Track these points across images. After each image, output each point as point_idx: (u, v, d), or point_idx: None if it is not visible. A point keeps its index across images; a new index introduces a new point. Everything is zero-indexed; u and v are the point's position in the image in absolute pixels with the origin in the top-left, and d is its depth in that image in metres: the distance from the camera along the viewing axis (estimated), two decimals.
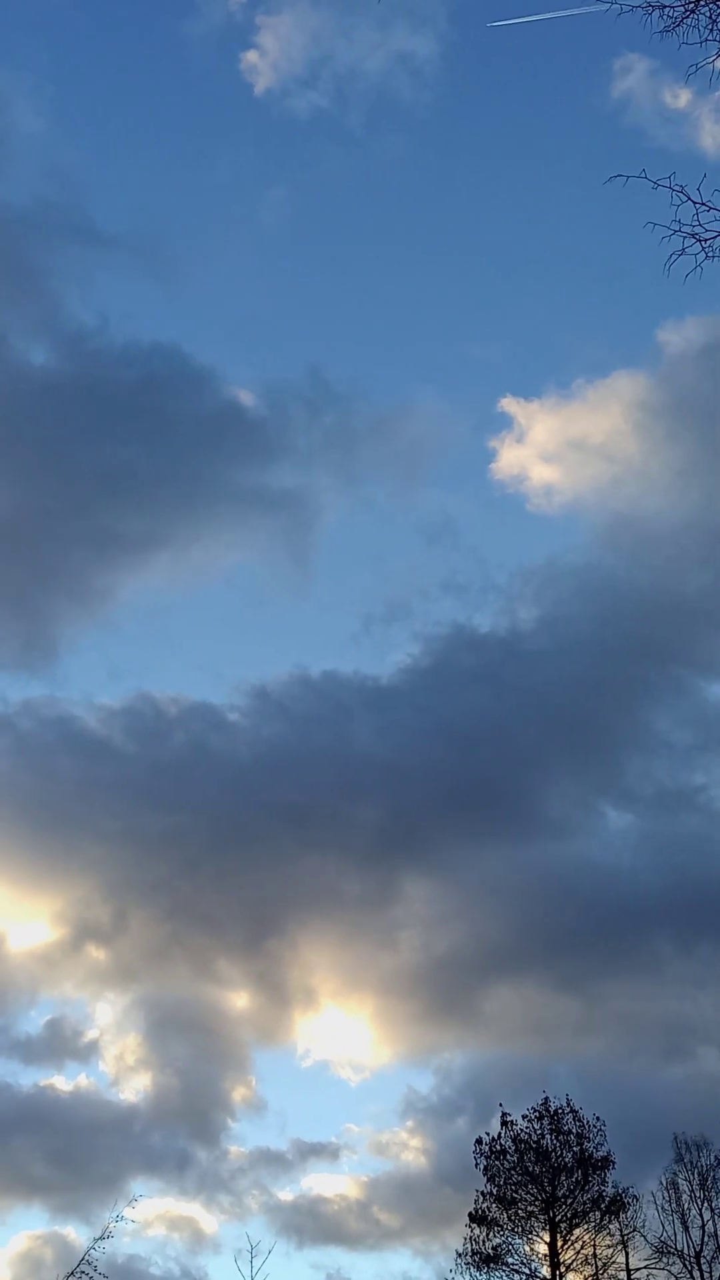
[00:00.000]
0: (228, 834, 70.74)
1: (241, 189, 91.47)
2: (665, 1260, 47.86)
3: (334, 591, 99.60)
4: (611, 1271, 47.56)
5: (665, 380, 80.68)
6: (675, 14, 9.60)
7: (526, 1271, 47.26)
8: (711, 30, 9.68)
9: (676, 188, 9.89)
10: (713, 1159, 49.83)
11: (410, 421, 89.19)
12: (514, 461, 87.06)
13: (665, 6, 9.64)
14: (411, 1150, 64.70)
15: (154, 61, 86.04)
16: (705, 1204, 48.82)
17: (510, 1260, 47.45)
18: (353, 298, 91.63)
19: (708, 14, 9.66)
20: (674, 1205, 48.84)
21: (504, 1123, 48.91)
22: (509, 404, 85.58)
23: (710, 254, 9.91)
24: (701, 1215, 48.54)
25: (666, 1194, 49.08)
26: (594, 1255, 47.55)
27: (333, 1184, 67.46)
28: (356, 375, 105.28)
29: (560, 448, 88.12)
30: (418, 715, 74.50)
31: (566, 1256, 47.17)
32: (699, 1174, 49.86)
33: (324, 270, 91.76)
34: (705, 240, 9.89)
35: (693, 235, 9.92)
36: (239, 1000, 70.80)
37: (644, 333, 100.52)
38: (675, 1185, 49.81)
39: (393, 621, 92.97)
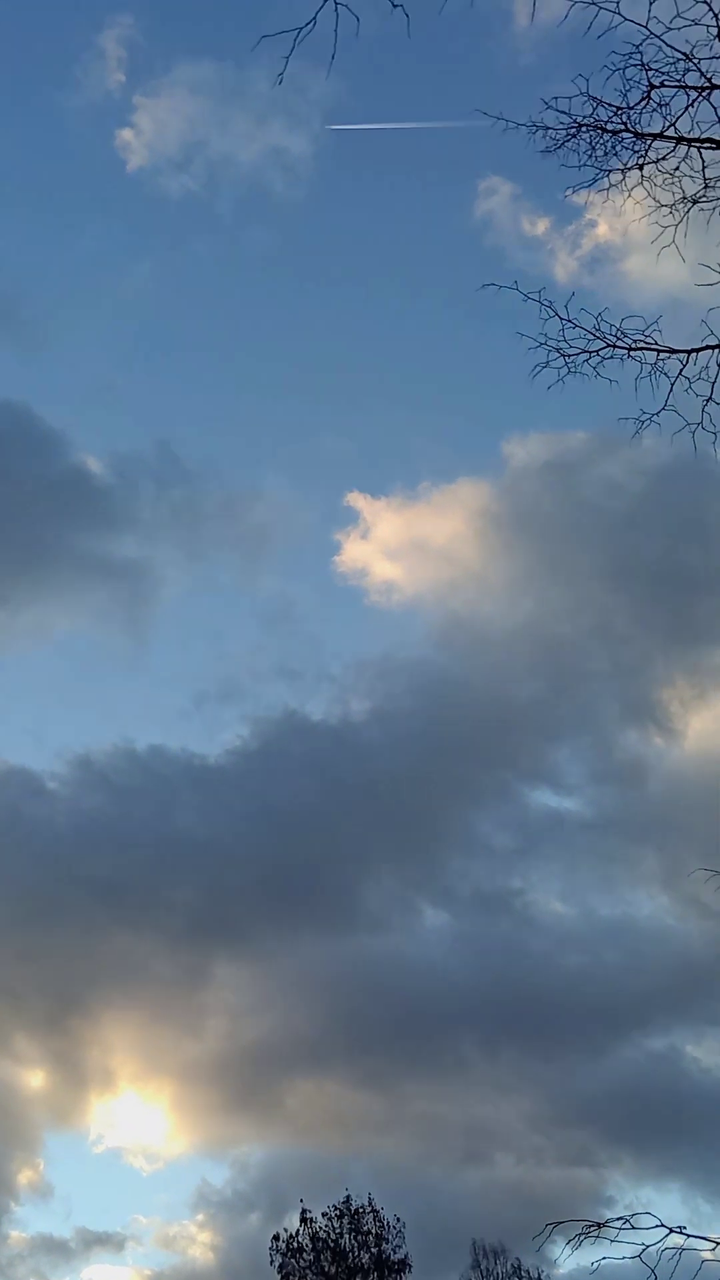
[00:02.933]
0: (37, 904, 68.92)
1: (107, 261, 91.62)
2: None
3: (167, 666, 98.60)
4: None
5: (507, 491, 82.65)
6: (559, 136, 9.93)
7: None
8: (590, 156, 10.02)
9: (546, 302, 10.19)
10: (509, 1267, 49.71)
11: (258, 506, 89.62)
12: (357, 555, 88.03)
13: (549, 128, 9.96)
14: (199, 1245, 63.07)
15: (28, 130, 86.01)
16: None
17: None
18: (210, 378, 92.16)
19: (588, 140, 10.00)
20: None
21: (303, 1219, 48.20)
22: (356, 499, 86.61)
23: (572, 368, 10.23)
24: None
25: None
26: None
27: (115, 1276, 65.35)
28: (208, 455, 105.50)
29: (403, 546, 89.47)
30: (242, 798, 74.06)
31: None
32: None
33: (183, 348, 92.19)
34: (569, 355, 10.19)
35: (557, 350, 10.20)
36: (34, 1079, 68.52)
37: (490, 443, 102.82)
38: None
39: (224, 701, 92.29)
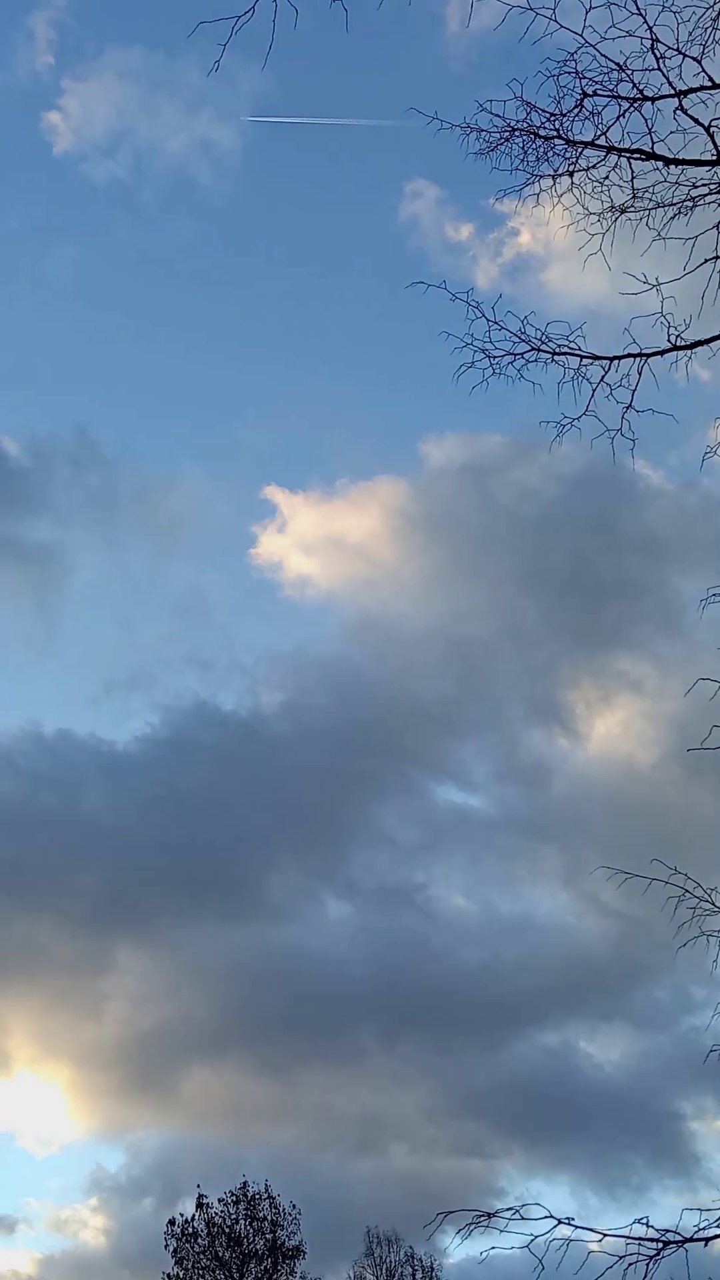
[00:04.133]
0: None
1: (30, 243, 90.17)
2: None
3: (77, 651, 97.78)
4: None
5: (425, 491, 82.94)
6: (492, 139, 10.01)
7: None
8: (523, 160, 10.12)
9: (474, 303, 10.27)
10: (402, 1255, 50.06)
11: (174, 495, 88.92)
12: (273, 549, 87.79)
13: (483, 131, 10.03)
14: (92, 1229, 62.82)
15: None
16: None
17: None
18: (130, 366, 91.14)
19: (521, 144, 10.09)
20: None
21: (199, 1205, 48.16)
22: (274, 492, 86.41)
23: (497, 370, 10.32)
24: None
25: None
26: None
27: (5, 1259, 64.95)
28: (125, 441, 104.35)
29: (319, 541, 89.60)
30: (150, 785, 73.65)
31: None
32: (386, 1270, 49.98)
33: (104, 334, 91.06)
34: (494, 357, 10.28)
35: (483, 351, 10.29)
36: None
37: (409, 443, 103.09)
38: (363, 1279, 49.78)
39: (134, 689, 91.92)
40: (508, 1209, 8.71)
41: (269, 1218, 47.91)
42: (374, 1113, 64.48)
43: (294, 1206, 48.34)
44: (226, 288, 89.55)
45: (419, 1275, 50.31)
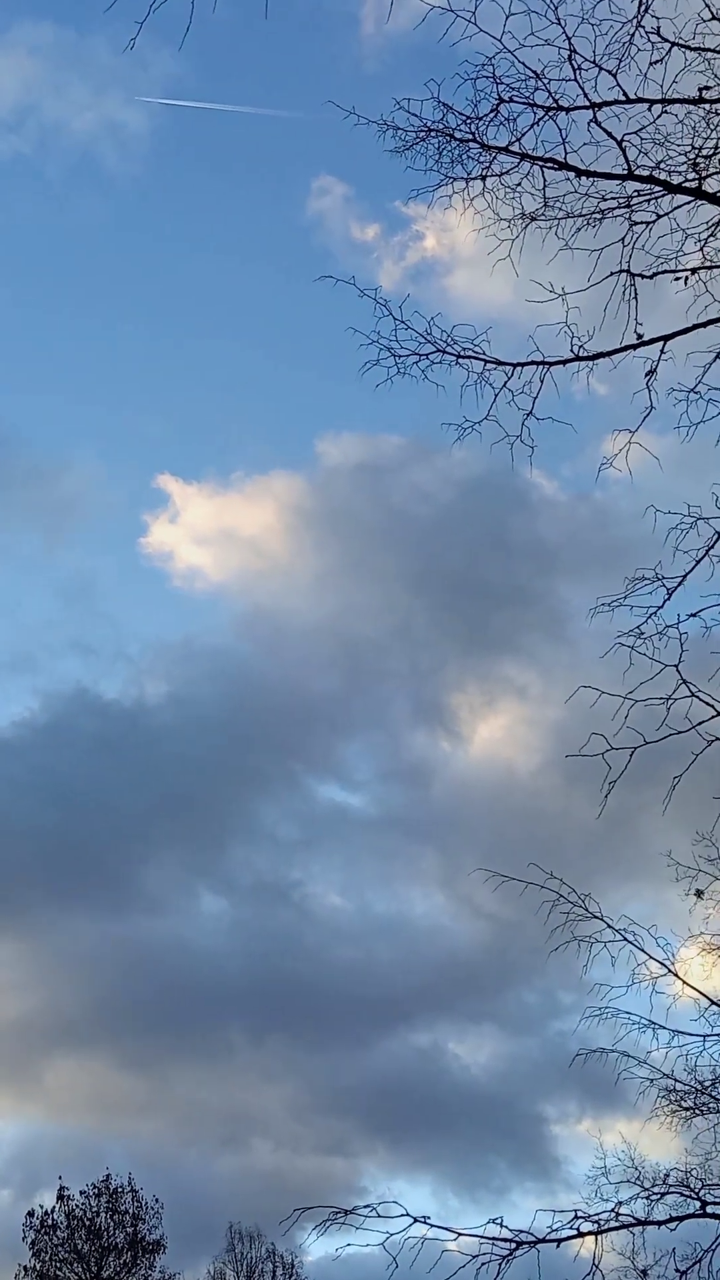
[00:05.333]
0: None
1: None
2: None
3: None
4: None
5: (320, 488, 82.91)
6: (408, 138, 10.02)
7: None
8: (437, 161, 10.14)
9: (381, 301, 10.27)
10: (263, 1252, 50.01)
11: (66, 478, 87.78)
12: (165, 538, 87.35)
13: (399, 129, 10.03)
14: None
15: None
16: None
17: None
18: (25, 345, 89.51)
19: (436, 145, 10.11)
20: None
21: (60, 1196, 47.66)
22: (167, 481, 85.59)
23: (402, 370, 10.33)
24: None
25: None
26: None
27: None
28: (16, 422, 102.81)
29: (212, 533, 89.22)
30: (26, 771, 72.63)
31: None
32: (247, 1266, 49.92)
33: (0, 311, 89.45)
34: (400, 356, 10.30)
35: (389, 349, 10.30)
36: None
37: (305, 439, 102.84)
38: (223, 1276, 49.67)
39: (15, 672, 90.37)
40: (364, 1206, 8.75)
41: (131, 1211, 47.60)
42: (240, 1109, 64.38)
43: (156, 1201, 48.14)
44: (129, 271, 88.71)
45: (279, 1272, 50.38)
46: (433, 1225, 8.80)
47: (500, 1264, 8.61)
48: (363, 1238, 8.85)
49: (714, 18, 9.59)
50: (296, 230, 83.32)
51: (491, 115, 9.83)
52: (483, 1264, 8.62)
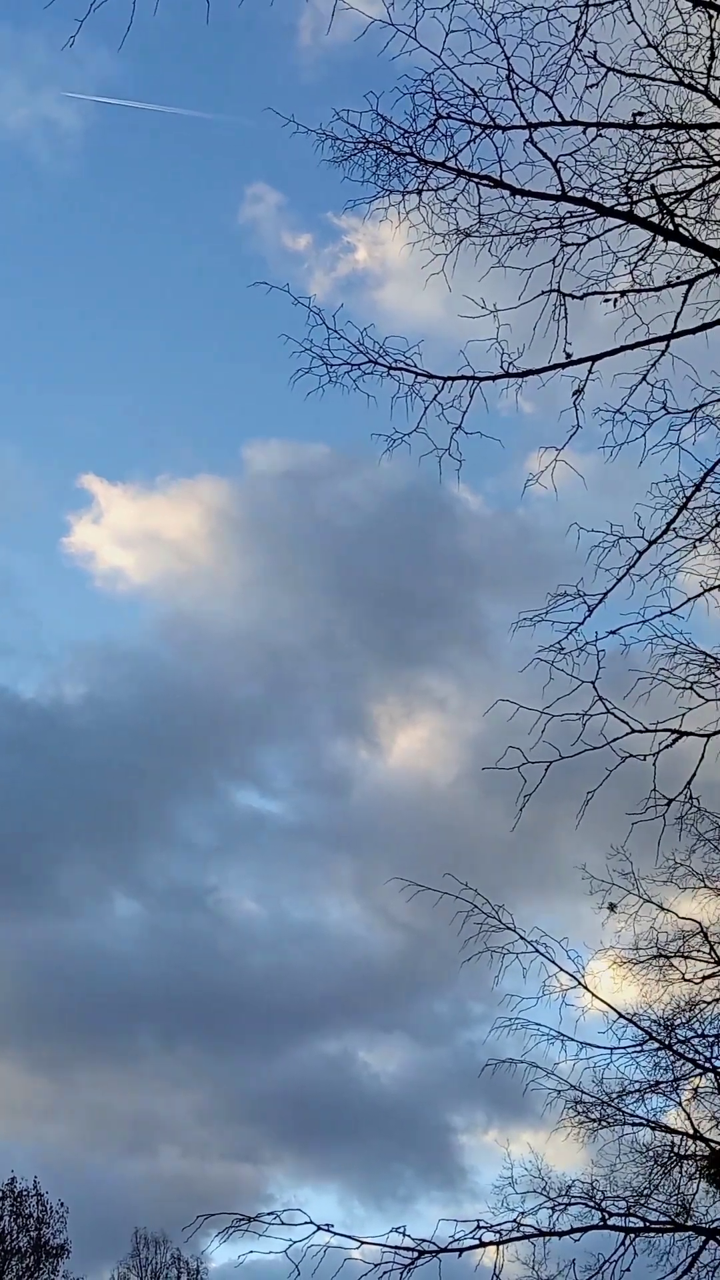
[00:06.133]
0: None
1: None
2: None
3: None
4: None
5: (245, 494, 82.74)
6: (346, 148, 10.05)
7: None
8: (374, 173, 10.19)
9: (315, 309, 10.30)
10: (168, 1257, 49.75)
11: None
12: (87, 539, 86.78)
13: (337, 139, 10.07)
14: None
15: None
16: None
17: None
18: None
19: (373, 157, 10.16)
20: None
21: None
22: (91, 481, 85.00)
23: (333, 379, 10.37)
24: None
25: None
26: None
27: None
28: None
29: (136, 535, 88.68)
30: None
31: None
32: (151, 1271, 49.62)
33: None
34: (332, 365, 10.33)
35: (321, 358, 10.33)
36: None
37: (232, 445, 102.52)
38: None
39: None
40: (269, 1213, 8.75)
41: (35, 1215, 47.14)
42: (148, 1114, 64.09)
43: (62, 1205, 47.70)
44: (59, 268, 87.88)
45: (184, 1278, 50.14)
46: (336, 1233, 8.83)
47: (402, 1273, 8.66)
48: (266, 1245, 8.86)
49: (649, 45, 9.73)
50: (229, 236, 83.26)
51: (429, 130, 9.91)
52: (385, 1273, 8.67)
